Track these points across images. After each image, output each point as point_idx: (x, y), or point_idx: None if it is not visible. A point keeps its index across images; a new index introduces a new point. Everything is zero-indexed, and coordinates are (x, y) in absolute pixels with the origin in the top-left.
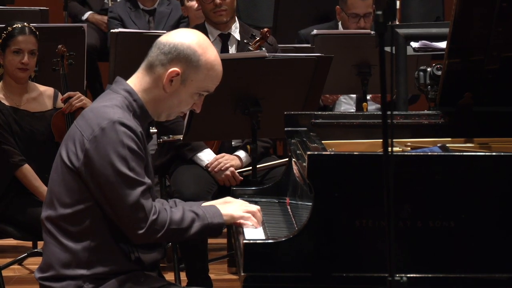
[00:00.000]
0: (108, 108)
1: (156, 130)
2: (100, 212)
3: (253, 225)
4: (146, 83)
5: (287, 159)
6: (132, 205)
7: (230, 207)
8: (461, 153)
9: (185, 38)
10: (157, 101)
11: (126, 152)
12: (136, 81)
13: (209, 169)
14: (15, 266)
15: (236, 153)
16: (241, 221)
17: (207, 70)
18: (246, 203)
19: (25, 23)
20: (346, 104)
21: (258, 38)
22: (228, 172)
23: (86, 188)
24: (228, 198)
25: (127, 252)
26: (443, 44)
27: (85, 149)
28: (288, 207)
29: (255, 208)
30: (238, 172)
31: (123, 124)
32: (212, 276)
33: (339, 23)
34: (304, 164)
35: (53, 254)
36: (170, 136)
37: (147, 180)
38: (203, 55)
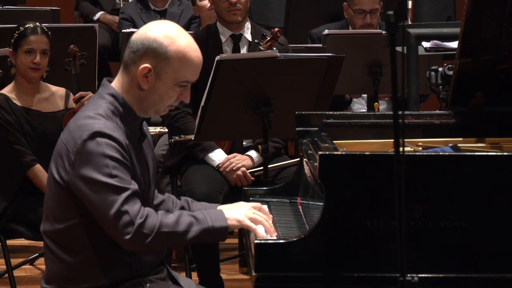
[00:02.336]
0: (90, 118)
1: (166, 130)
2: (94, 224)
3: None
4: (126, 84)
5: (298, 159)
6: (115, 212)
7: (237, 210)
8: (473, 153)
9: (151, 31)
10: (139, 100)
11: (108, 161)
12: (119, 84)
13: (221, 169)
14: (27, 266)
15: (248, 153)
16: (250, 225)
17: (179, 60)
18: (255, 209)
19: (37, 23)
20: (358, 104)
21: (269, 38)
22: (239, 172)
23: (77, 202)
24: (242, 204)
25: (128, 260)
26: (454, 44)
27: (71, 163)
28: (300, 207)
29: (264, 216)
30: (249, 172)
31: (103, 135)
32: (223, 276)
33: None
34: (315, 164)
35: (54, 269)
36: (182, 136)
37: (132, 186)
38: (170, 46)
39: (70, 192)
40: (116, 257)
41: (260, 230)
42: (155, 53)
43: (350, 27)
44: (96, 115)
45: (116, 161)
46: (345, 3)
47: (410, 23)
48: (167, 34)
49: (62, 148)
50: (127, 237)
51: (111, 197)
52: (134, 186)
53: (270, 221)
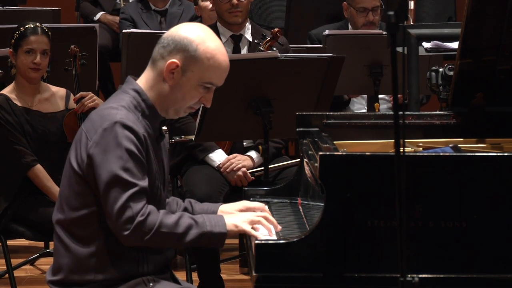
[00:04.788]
0: (113, 109)
1: (166, 128)
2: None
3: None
4: (151, 80)
5: (299, 159)
6: (120, 206)
7: (238, 216)
8: (473, 154)
9: (184, 30)
10: (162, 97)
11: (123, 153)
12: (144, 80)
13: (221, 169)
14: (27, 267)
15: (248, 153)
16: (246, 229)
17: (207, 60)
18: (258, 207)
19: (37, 23)
20: (358, 104)
21: (269, 38)
22: (240, 173)
23: (92, 191)
24: (245, 202)
25: (136, 256)
26: (455, 45)
27: (87, 149)
28: (300, 207)
29: (264, 213)
30: (250, 173)
31: (124, 125)
32: (224, 276)
33: (348, 22)
34: (316, 164)
35: (62, 258)
36: (182, 136)
37: (142, 183)
38: (201, 45)
39: (86, 181)
40: (124, 251)
41: (256, 233)
42: (184, 49)
43: (350, 28)
44: (119, 106)
45: (131, 155)
46: (344, 2)
47: (412, 23)
48: (199, 34)
49: (81, 136)
50: (126, 233)
51: (119, 190)
52: (143, 183)
53: (274, 222)
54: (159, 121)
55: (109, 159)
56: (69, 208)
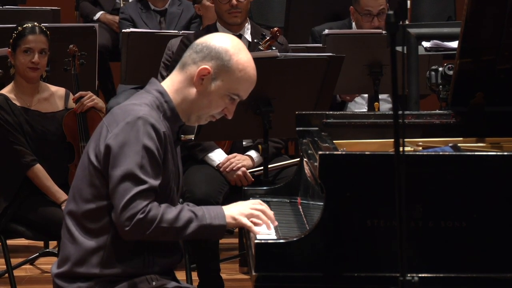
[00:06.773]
0: (136, 106)
1: None
2: None
3: (261, 225)
4: (178, 83)
5: (298, 159)
6: (126, 201)
7: (236, 208)
8: (473, 153)
9: (219, 38)
10: (187, 101)
11: (141, 149)
12: (169, 82)
13: (221, 169)
14: (27, 266)
15: (248, 153)
16: (245, 223)
17: (238, 71)
18: (256, 202)
19: (35, 23)
20: (359, 104)
21: (268, 38)
22: (239, 172)
23: (106, 183)
24: (240, 203)
25: (143, 256)
26: (454, 44)
27: (107, 142)
28: (300, 207)
29: (262, 206)
30: (249, 172)
31: (146, 122)
32: (223, 275)
33: (353, 23)
34: (315, 164)
35: (68, 250)
36: (182, 136)
37: (153, 182)
38: (234, 55)
39: (102, 173)
40: (132, 249)
41: (255, 227)
42: (218, 57)
43: (354, 27)
44: (142, 103)
45: (148, 152)
46: (351, 7)
47: (407, 23)
48: (234, 44)
49: (102, 129)
50: (126, 228)
51: (129, 185)
52: (154, 182)
53: (271, 214)
54: (179, 125)
55: (126, 153)
56: (82, 199)
